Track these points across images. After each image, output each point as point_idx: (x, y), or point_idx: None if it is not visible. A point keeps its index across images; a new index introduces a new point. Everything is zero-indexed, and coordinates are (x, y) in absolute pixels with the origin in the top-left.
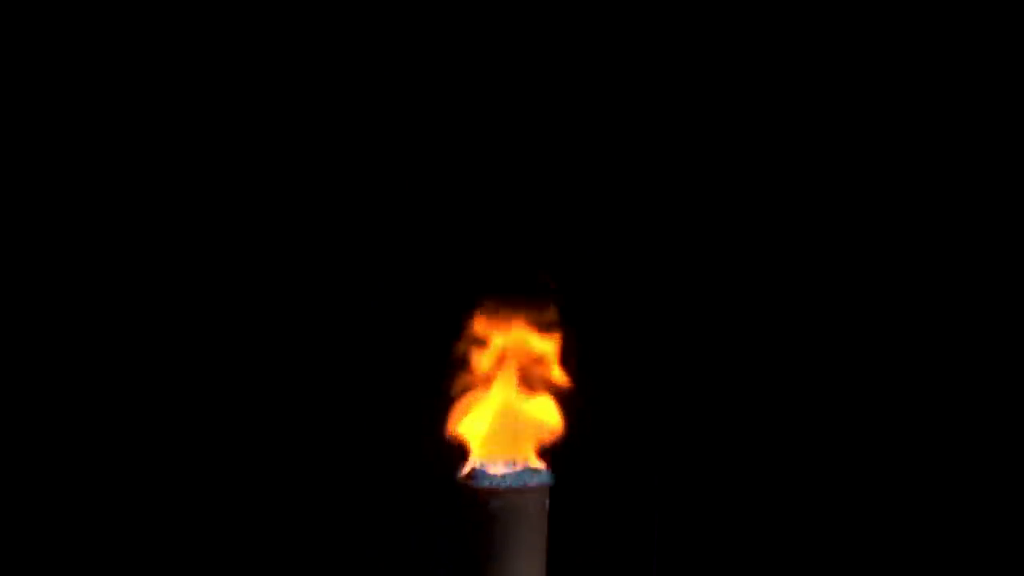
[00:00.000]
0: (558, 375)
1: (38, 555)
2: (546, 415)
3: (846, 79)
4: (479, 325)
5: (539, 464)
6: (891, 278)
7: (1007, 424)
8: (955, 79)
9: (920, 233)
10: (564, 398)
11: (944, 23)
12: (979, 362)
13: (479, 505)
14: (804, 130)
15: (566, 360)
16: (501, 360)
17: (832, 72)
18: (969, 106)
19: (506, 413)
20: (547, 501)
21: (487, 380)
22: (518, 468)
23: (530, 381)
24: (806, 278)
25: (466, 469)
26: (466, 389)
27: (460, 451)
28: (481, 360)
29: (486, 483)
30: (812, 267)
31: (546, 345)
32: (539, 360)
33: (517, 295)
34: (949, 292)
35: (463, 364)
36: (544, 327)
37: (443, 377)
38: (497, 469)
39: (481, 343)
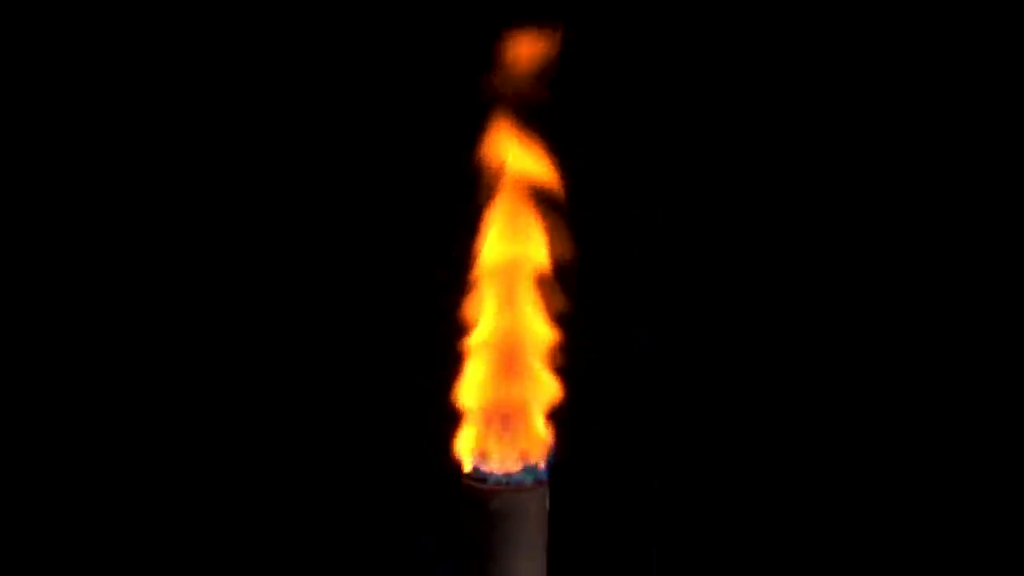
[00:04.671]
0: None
1: (38, 555)
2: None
3: (846, 78)
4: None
5: (540, 463)
6: (891, 277)
7: (1007, 424)
8: (955, 79)
9: (920, 233)
10: (560, 405)
11: (944, 23)
12: (979, 362)
13: (479, 504)
14: (803, 125)
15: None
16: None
17: (832, 71)
18: (969, 106)
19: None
20: (547, 500)
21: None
22: (519, 467)
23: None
24: (807, 277)
25: (466, 468)
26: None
27: (459, 452)
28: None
29: (486, 482)
30: (812, 266)
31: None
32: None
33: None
34: (949, 292)
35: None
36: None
37: (443, 375)
38: (497, 468)
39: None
